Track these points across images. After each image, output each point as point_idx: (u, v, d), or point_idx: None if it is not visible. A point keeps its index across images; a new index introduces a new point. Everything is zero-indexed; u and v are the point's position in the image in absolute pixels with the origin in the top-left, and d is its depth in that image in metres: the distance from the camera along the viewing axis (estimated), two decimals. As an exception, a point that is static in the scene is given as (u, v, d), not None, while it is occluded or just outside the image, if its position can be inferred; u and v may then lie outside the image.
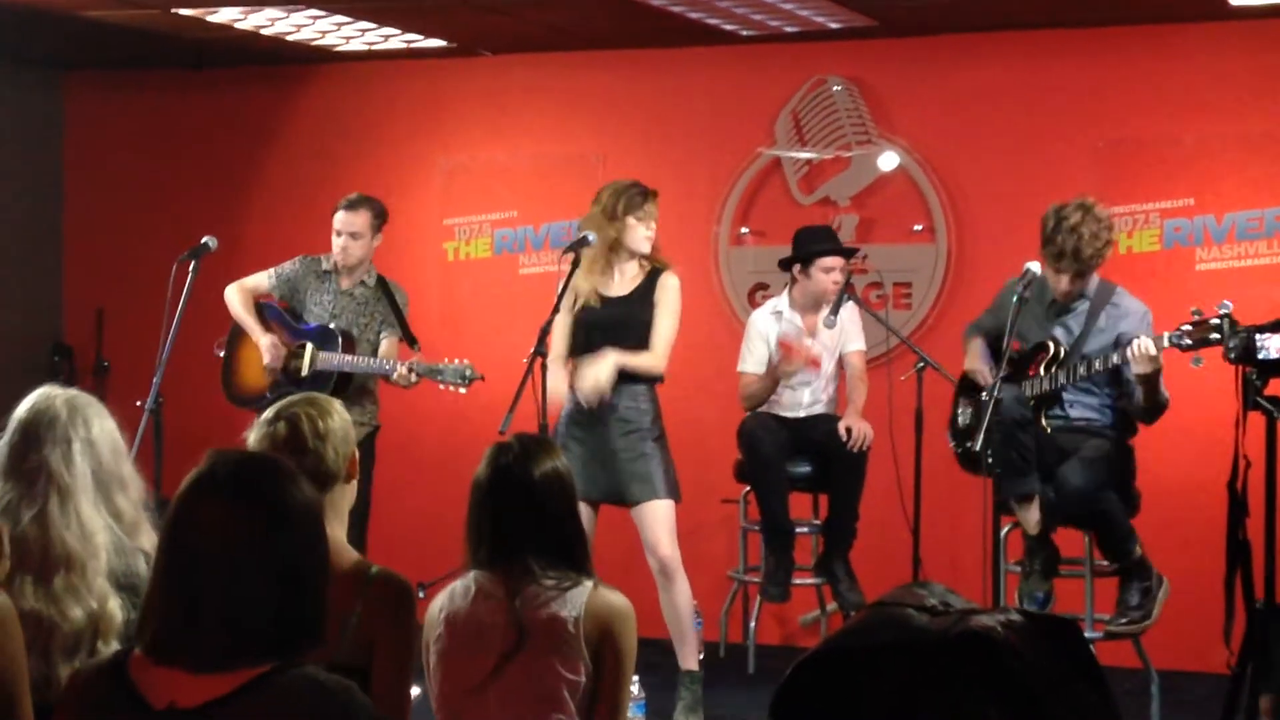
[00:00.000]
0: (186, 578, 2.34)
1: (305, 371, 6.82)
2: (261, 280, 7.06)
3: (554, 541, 3.61)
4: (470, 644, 3.58)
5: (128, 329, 8.73)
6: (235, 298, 7.00)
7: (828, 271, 6.97)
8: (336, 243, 6.95)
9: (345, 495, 3.51)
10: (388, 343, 6.89)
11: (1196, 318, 5.71)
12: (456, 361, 6.71)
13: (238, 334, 7.09)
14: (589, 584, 3.58)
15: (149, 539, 3.48)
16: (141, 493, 3.56)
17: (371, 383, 6.92)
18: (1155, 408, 6.10)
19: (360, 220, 6.93)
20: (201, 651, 2.32)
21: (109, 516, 3.44)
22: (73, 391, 3.53)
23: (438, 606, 3.66)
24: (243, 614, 2.32)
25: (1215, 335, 5.61)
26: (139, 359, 7.35)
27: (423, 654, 3.64)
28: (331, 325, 6.89)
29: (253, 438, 3.48)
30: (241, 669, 2.31)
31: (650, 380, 6.21)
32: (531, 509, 3.59)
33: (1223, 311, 5.63)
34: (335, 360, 6.78)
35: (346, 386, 6.77)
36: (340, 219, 6.95)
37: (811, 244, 7.05)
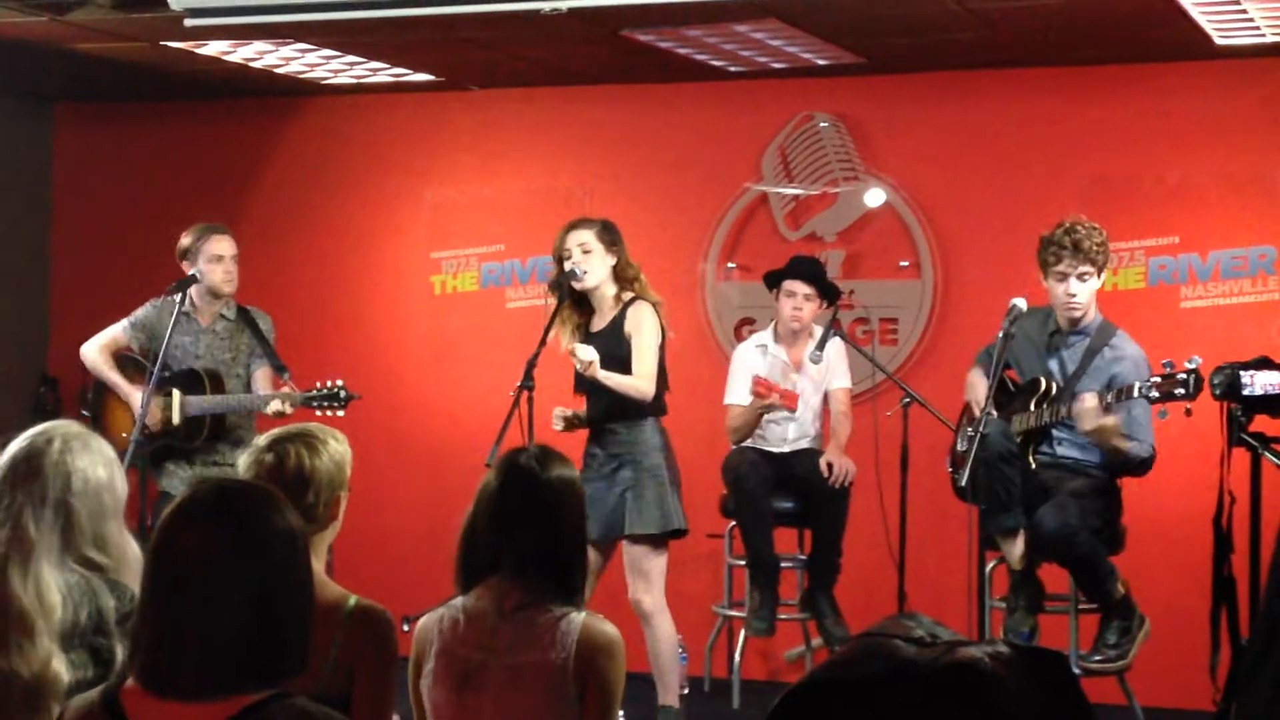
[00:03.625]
0: (167, 604, 2.35)
1: (176, 420, 6.56)
2: (118, 333, 6.78)
3: (554, 556, 3.56)
4: (459, 677, 3.56)
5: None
6: (97, 358, 6.72)
7: (790, 296, 6.98)
8: (217, 270, 6.63)
9: (323, 536, 3.52)
10: (260, 373, 6.64)
11: (1167, 370, 5.73)
12: (329, 384, 6.48)
13: (101, 392, 6.86)
14: (580, 617, 3.53)
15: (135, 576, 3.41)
16: (121, 542, 3.44)
17: (249, 419, 6.69)
18: (1126, 463, 6.10)
19: (234, 243, 6.71)
20: (184, 678, 2.32)
21: (82, 569, 3.33)
22: (73, 432, 3.41)
23: (428, 635, 3.62)
24: (221, 640, 2.31)
25: (1181, 390, 5.64)
26: (125, 390, 7.31)
27: (410, 680, 3.61)
28: (196, 367, 6.63)
29: (242, 463, 3.51)
30: (225, 697, 2.30)
31: (653, 415, 6.18)
32: (539, 515, 3.55)
33: (1190, 366, 5.66)
34: (205, 404, 6.55)
35: (222, 428, 6.59)
36: (224, 244, 6.66)
37: (789, 270, 7.06)
